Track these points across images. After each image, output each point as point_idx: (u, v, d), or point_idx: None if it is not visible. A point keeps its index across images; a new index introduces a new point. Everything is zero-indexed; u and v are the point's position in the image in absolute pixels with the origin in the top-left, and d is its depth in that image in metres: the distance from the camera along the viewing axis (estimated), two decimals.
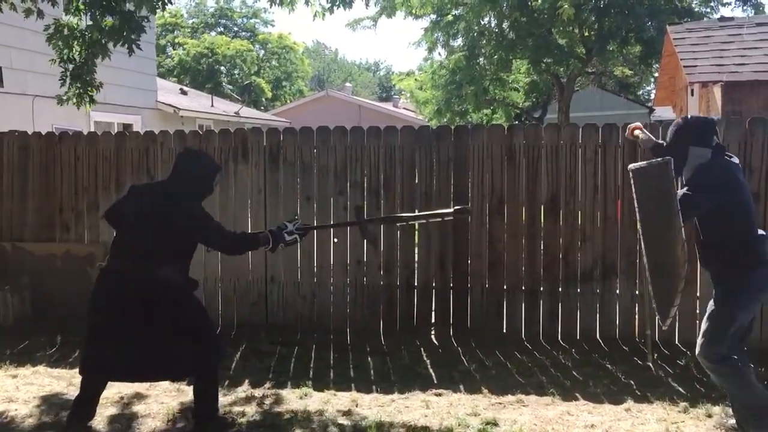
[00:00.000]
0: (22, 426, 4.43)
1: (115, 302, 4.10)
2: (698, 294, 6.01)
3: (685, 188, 4.03)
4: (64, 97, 6.85)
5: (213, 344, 4.32)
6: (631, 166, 4.54)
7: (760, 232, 4.08)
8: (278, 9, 6.47)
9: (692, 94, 11.57)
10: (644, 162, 4.45)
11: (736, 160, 4.20)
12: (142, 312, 4.04)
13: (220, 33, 42.11)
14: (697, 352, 4.09)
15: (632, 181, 4.54)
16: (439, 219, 5.40)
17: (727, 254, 3.99)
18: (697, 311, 6.01)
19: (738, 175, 4.08)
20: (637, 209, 4.61)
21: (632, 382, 5.11)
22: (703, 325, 4.08)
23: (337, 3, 6.20)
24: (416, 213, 5.55)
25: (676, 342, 6.02)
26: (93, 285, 4.32)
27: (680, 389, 4.97)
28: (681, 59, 10.67)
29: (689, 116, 4.22)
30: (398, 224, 5.55)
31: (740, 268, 3.95)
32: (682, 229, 3.89)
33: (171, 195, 4.25)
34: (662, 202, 4.01)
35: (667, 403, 4.69)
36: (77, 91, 6.80)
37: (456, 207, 5.30)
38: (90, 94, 6.86)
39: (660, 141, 4.64)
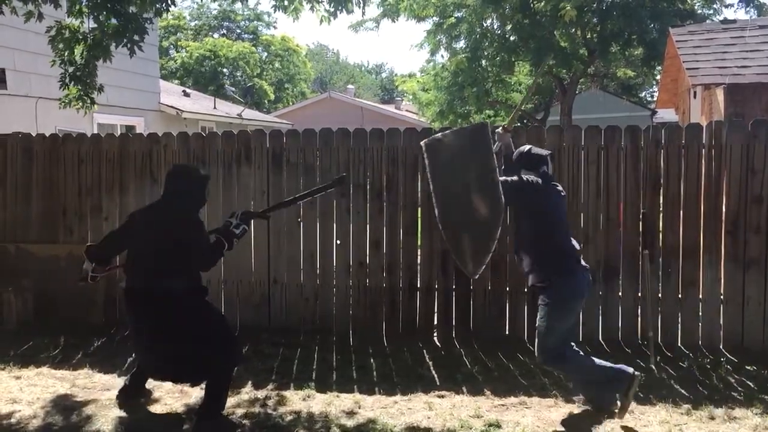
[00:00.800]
0: (27, 427, 4.44)
1: (143, 315, 4.46)
2: (701, 296, 6.01)
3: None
4: (65, 100, 6.87)
5: (230, 348, 4.51)
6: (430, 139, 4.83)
7: (574, 244, 4.63)
8: (283, 15, 6.46)
9: (695, 97, 11.58)
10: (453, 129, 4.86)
11: (560, 188, 4.77)
12: (165, 321, 4.37)
13: (223, 35, 42.20)
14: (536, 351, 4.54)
15: (434, 150, 4.69)
16: (323, 193, 5.53)
17: (536, 261, 4.52)
18: (700, 314, 6.02)
19: (557, 198, 4.66)
20: (436, 173, 4.67)
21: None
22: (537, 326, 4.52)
23: (340, 8, 6.21)
24: (302, 193, 5.61)
25: (679, 344, 6.02)
26: (123, 301, 4.66)
27: (683, 391, 4.97)
28: (684, 62, 10.67)
29: (532, 149, 4.75)
30: (292, 205, 5.56)
31: (551, 279, 4.43)
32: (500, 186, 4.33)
33: (171, 213, 4.50)
34: (477, 161, 4.38)
35: (670, 405, 4.70)
36: (78, 93, 6.81)
37: (335, 177, 5.53)
38: (90, 96, 6.88)
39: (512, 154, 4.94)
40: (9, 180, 7.09)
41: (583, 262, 4.65)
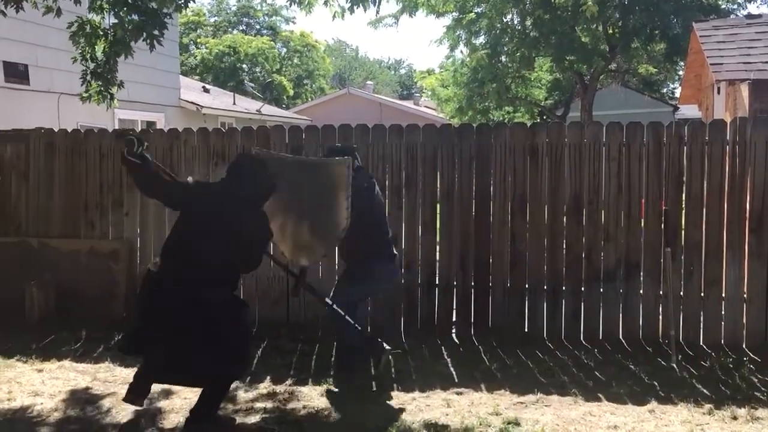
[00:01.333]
0: (48, 420, 4.49)
1: (173, 310, 3.98)
2: (724, 295, 5.94)
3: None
4: (86, 95, 6.92)
5: (245, 362, 4.34)
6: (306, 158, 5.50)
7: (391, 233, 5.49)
8: (297, 9, 6.45)
9: (719, 93, 11.42)
10: (321, 158, 5.57)
11: (373, 179, 5.48)
12: (197, 321, 3.96)
13: (242, 31, 42.33)
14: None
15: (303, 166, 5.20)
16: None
17: (353, 245, 5.13)
18: (723, 312, 5.95)
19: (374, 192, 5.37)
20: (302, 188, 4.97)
21: (656, 383, 5.05)
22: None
23: (357, 3, 6.19)
24: None
25: (701, 343, 5.95)
26: (142, 285, 4.26)
27: (705, 391, 4.91)
28: (707, 57, 10.52)
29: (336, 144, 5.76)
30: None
31: (362, 257, 5.17)
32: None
33: (243, 202, 4.11)
34: (335, 185, 4.89)
35: (692, 405, 4.64)
36: (98, 89, 6.86)
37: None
38: (111, 92, 6.92)
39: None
40: (32, 175, 7.17)
41: None
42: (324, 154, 5.54)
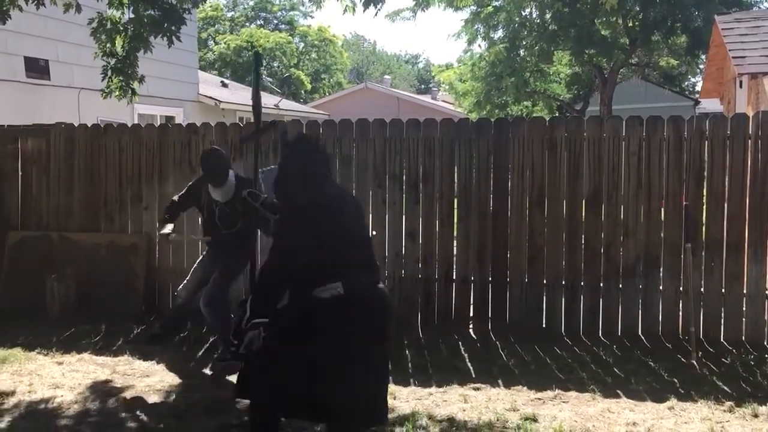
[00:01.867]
0: (68, 412, 4.53)
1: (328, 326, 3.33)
2: (745, 291, 5.87)
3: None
4: (107, 90, 6.97)
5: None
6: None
7: None
8: (308, 3, 6.48)
9: (741, 86, 11.27)
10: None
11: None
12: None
13: (260, 26, 42.43)
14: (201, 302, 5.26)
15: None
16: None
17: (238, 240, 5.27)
18: (744, 309, 5.88)
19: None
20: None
21: (675, 380, 5.00)
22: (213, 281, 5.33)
23: (369, 2, 6.16)
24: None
25: (722, 340, 5.89)
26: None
27: (725, 388, 4.86)
28: (729, 50, 10.39)
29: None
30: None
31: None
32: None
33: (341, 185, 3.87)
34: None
35: (712, 402, 4.59)
36: (120, 84, 6.90)
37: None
38: (132, 87, 6.96)
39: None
40: (52, 169, 7.23)
41: None
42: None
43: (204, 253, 5.77)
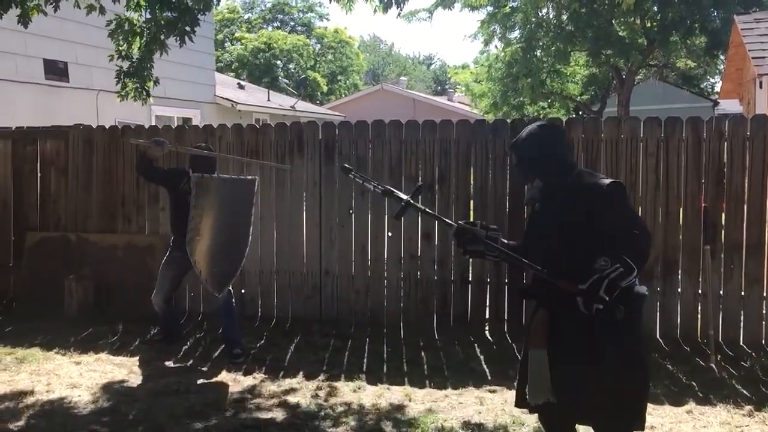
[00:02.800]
0: (85, 411, 4.56)
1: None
2: (765, 294, 5.80)
3: None
4: (123, 93, 7.01)
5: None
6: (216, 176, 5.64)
7: None
8: (336, 7, 6.48)
9: (761, 87, 11.14)
10: (232, 176, 6.12)
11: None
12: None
13: (277, 28, 42.60)
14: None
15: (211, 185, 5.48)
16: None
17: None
18: (763, 311, 5.81)
19: None
20: (211, 207, 5.43)
21: (694, 384, 4.95)
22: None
23: (391, 3, 6.16)
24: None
25: (741, 343, 5.82)
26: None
27: (745, 392, 4.80)
28: (749, 50, 10.30)
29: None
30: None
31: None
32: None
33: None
34: (244, 204, 5.64)
35: (731, 406, 4.53)
36: (134, 86, 6.95)
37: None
38: (146, 89, 7.00)
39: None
40: (71, 171, 7.30)
41: None
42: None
43: (167, 255, 5.85)
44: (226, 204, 5.54)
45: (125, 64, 6.82)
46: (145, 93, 6.90)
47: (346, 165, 3.86)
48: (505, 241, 3.29)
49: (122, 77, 6.82)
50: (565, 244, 3.00)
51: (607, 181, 3.07)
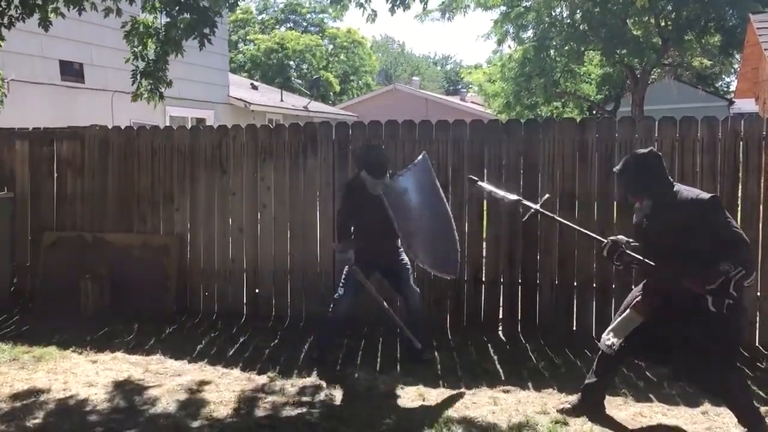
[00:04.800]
0: (101, 409, 4.61)
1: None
2: None
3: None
4: (137, 94, 7.06)
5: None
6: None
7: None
8: (352, 8, 6.50)
9: None
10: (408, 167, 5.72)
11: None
12: None
13: (290, 28, 42.71)
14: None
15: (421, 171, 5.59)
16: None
17: None
18: None
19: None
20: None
21: None
22: None
23: (397, 3, 6.18)
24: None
25: (757, 344, 5.78)
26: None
27: (761, 393, 4.77)
28: (765, 49, 10.22)
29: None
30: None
31: None
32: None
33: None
34: (429, 184, 5.64)
35: None
36: (149, 87, 7.00)
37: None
38: (160, 90, 7.06)
39: None
40: (87, 171, 7.36)
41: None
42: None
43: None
44: (417, 194, 5.48)
45: (141, 64, 6.87)
46: (159, 94, 6.94)
47: (472, 176, 4.39)
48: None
49: (138, 77, 6.87)
50: (676, 252, 3.71)
51: (706, 196, 3.84)
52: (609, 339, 4.13)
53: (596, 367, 4.40)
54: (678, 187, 3.99)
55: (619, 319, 4.19)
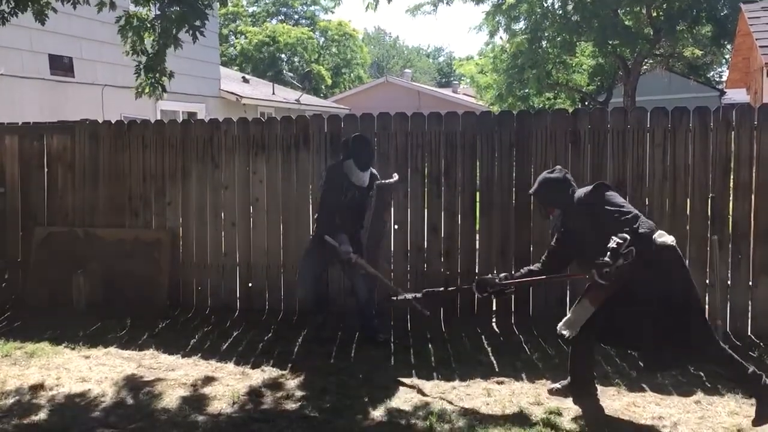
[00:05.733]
0: (95, 405, 4.59)
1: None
2: None
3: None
4: (139, 89, 6.99)
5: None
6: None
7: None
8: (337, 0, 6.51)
9: None
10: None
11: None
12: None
13: (281, 21, 42.56)
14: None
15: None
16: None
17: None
18: None
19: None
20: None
21: (702, 374, 4.94)
22: None
23: None
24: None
25: (749, 333, 5.81)
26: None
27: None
28: (756, 39, 10.24)
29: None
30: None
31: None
32: None
33: None
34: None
35: (739, 396, 4.53)
36: (150, 81, 6.93)
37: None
38: (162, 83, 7.00)
39: None
40: (77, 166, 7.31)
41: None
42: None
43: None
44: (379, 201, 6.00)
45: (143, 59, 6.80)
46: (161, 88, 6.88)
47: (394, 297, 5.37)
48: (525, 270, 4.72)
49: (141, 72, 6.80)
50: (593, 247, 4.02)
51: (588, 189, 4.31)
52: (563, 329, 4.34)
53: (572, 353, 4.51)
54: (577, 192, 4.37)
55: (573, 308, 4.42)
